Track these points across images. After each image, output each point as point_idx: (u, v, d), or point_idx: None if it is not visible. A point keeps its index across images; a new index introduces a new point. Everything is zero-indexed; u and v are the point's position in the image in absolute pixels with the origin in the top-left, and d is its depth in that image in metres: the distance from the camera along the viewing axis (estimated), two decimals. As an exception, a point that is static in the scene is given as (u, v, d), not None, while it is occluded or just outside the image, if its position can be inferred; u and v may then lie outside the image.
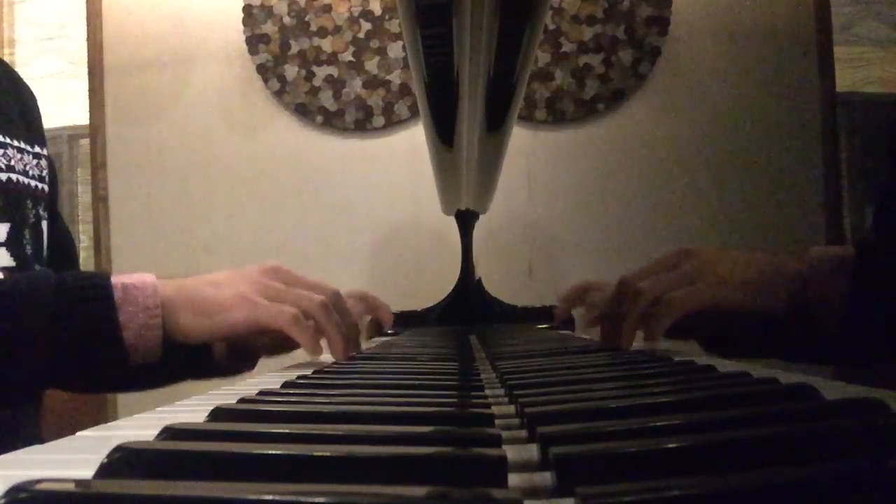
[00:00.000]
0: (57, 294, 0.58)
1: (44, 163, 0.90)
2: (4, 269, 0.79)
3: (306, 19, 2.13)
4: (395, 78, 2.13)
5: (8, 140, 0.84)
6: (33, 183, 0.87)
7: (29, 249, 0.83)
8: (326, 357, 0.67)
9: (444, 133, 0.93)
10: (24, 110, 0.91)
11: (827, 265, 0.60)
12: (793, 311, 0.61)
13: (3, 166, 0.82)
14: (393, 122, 2.14)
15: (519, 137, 1.98)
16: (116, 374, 0.61)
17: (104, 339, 0.58)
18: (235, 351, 0.78)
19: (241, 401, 0.37)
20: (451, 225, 1.37)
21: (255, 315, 0.62)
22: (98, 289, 0.59)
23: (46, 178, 0.90)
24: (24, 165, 0.86)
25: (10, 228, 0.81)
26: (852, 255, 0.59)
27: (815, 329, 0.60)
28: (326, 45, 2.13)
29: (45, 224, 0.88)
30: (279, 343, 0.72)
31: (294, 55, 2.14)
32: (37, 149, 0.89)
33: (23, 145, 0.86)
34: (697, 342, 0.73)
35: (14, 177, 0.83)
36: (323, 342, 0.67)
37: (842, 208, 2.12)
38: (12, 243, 0.81)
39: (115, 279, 0.60)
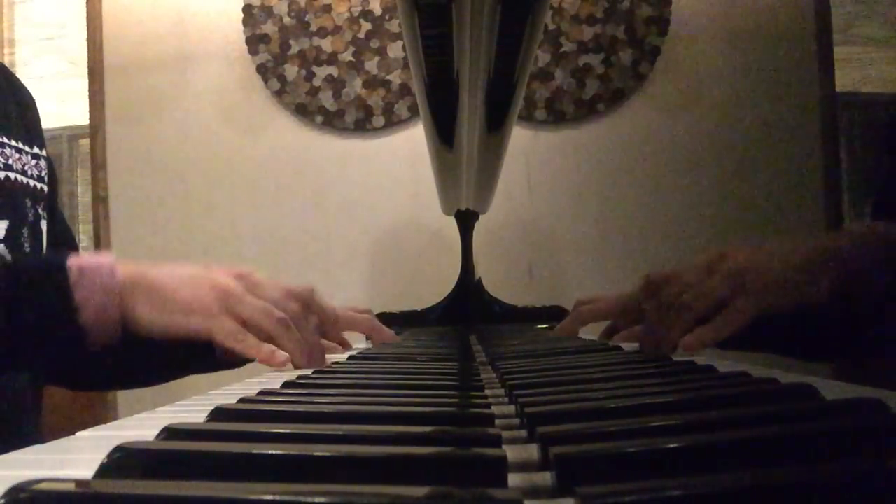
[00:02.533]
0: (11, 275, 0.57)
1: (43, 163, 0.90)
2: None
3: (306, 19, 2.13)
4: (395, 78, 2.13)
5: (6, 140, 0.84)
6: (32, 182, 0.87)
7: (27, 247, 0.83)
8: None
9: (444, 133, 0.93)
10: (23, 112, 0.91)
11: (870, 241, 0.56)
12: (834, 295, 0.57)
13: (2, 164, 0.82)
14: (393, 122, 2.14)
15: (519, 137, 1.98)
16: (78, 358, 0.60)
17: (60, 318, 0.57)
18: None
19: (241, 401, 0.37)
20: (451, 225, 1.37)
21: (208, 325, 0.60)
22: (53, 269, 0.58)
23: (46, 178, 0.90)
24: (23, 165, 0.86)
25: (9, 226, 0.81)
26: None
27: (854, 317, 0.57)
28: (326, 45, 2.13)
29: (44, 223, 0.88)
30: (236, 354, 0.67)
31: (294, 55, 2.14)
32: (35, 149, 0.90)
33: (21, 145, 0.87)
34: None
35: (12, 175, 0.84)
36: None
37: (842, 208, 2.12)
38: (11, 240, 0.81)
39: (72, 261, 0.59)
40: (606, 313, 0.82)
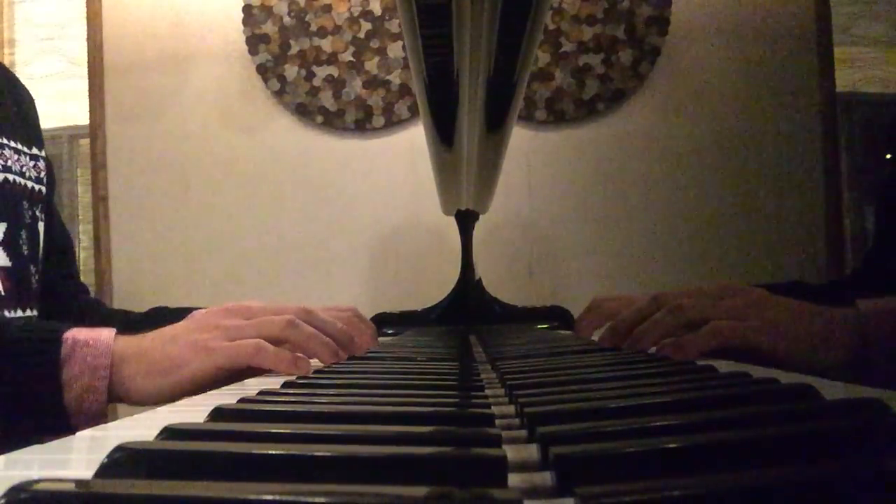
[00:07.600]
0: (1, 337, 0.55)
1: (41, 164, 0.90)
2: (1, 268, 0.79)
3: (306, 19, 2.13)
4: (395, 78, 2.13)
5: (5, 141, 0.84)
6: (30, 184, 0.87)
7: (25, 250, 0.83)
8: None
9: (444, 133, 0.92)
10: (22, 112, 0.91)
11: (887, 317, 0.55)
12: (850, 369, 0.56)
13: (1, 167, 0.82)
14: (393, 122, 2.14)
15: (519, 137, 1.98)
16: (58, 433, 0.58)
17: (43, 397, 0.55)
18: None
19: (242, 401, 0.37)
20: (451, 225, 1.37)
21: (212, 361, 0.57)
22: (45, 343, 0.56)
23: (45, 180, 0.90)
24: (21, 167, 0.86)
25: (7, 228, 0.81)
26: None
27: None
28: (326, 45, 2.13)
29: (41, 225, 0.88)
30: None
31: (294, 55, 2.14)
32: (35, 150, 0.89)
33: (20, 147, 0.86)
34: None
35: (11, 177, 0.83)
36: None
37: (842, 208, 2.12)
38: (9, 243, 0.81)
39: (68, 333, 0.57)
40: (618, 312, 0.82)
